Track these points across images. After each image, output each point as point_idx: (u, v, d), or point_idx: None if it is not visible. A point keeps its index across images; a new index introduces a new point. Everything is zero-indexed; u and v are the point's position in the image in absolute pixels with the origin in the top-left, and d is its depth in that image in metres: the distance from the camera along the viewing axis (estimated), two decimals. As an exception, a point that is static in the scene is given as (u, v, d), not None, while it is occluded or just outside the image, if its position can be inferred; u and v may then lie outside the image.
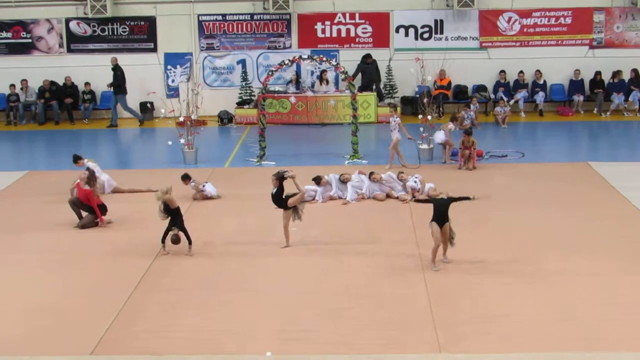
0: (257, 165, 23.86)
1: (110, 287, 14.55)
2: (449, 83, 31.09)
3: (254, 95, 30.74)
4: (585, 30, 31.37)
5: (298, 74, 31.12)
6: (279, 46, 31.79)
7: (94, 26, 31.77)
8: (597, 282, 14.42)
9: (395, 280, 14.62)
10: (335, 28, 31.60)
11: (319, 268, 15.33)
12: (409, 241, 16.59)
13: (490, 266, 15.24)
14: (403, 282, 14.58)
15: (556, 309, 13.25)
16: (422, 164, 23.09)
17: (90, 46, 31.97)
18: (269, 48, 31.85)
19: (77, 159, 21.24)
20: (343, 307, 13.58)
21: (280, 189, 16.34)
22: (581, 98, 31.16)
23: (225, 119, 30.83)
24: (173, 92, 30.76)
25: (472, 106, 28.68)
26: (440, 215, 15.08)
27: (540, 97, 31.10)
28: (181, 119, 24.97)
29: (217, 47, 31.93)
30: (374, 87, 30.50)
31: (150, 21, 31.75)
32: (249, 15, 31.66)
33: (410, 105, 30.83)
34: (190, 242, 16.18)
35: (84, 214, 18.41)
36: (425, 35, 31.55)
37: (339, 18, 31.54)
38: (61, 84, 31.77)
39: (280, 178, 16.30)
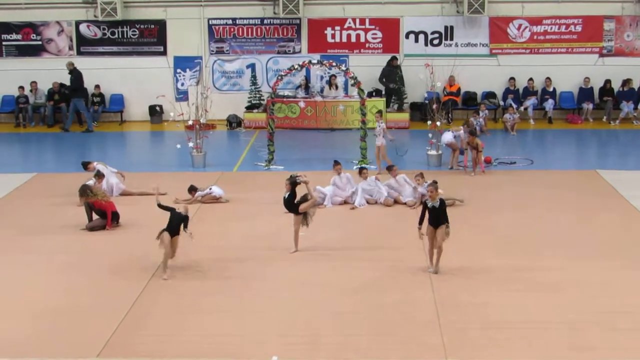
0: (265, 169, 23.85)
1: (117, 290, 14.55)
2: (459, 89, 31.06)
3: (263, 100, 30.72)
4: (596, 38, 31.32)
5: (307, 78, 31.11)
6: (289, 51, 31.80)
7: (104, 29, 31.81)
8: (605, 290, 14.39)
9: (402, 286, 14.60)
10: (345, 33, 31.60)
11: (326, 273, 15.32)
12: (416, 246, 16.53)
13: (497, 272, 15.22)
14: (409, 287, 14.56)
15: (564, 316, 13.22)
16: (430, 170, 23.06)
17: (100, 49, 32.01)
18: (278, 52, 31.87)
19: (86, 165, 21.27)
20: (349, 311, 13.57)
21: (293, 193, 16.34)
22: (590, 106, 31.11)
23: (234, 123, 30.83)
24: (182, 95, 30.78)
25: (481, 113, 28.66)
26: (434, 218, 15.05)
27: (549, 104, 31.05)
28: (190, 122, 24.97)
29: (227, 51, 31.95)
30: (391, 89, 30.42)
31: (161, 24, 31.78)
32: (259, 20, 31.68)
33: (419, 111, 30.81)
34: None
35: (95, 216, 18.44)
36: (435, 42, 31.53)
37: (349, 23, 31.54)
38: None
39: (293, 183, 16.30)
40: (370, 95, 29.32)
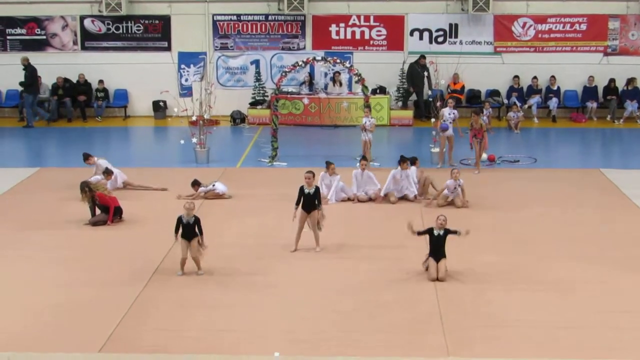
0: (269, 165, 23.86)
1: (120, 284, 14.57)
2: (463, 87, 31.02)
3: (267, 96, 30.70)
4: (600, 37, 31.28)
5: (311, 75, 31.10)
6: (293, 47, 31.78)
7: (108, 24, 31.80)
8: (607, 289, 14.39)
9: (405, 284, 14.61)
10: (349, 30, 31.57)
11: (328, 270, 15.33)
12: (419, 245, 16.54)
13: (499, 271, 15.22)
14: (412, 285, 14.57)
15: (566, 316, 13.24)
16: (434, 167, 23.05)
17: (105, 44, 32.00)
18: (282, 49, 31.86)
19: (86, 157, 21.32)
20: (351, 309, 13.58)
21: (317, 191, 16.41)
22: (594, 105, 31.09)
23: (237, 119, 30.84)
24: (186, 91, 30.63)
25: (485, 111, 28.62)
26: (436, 250, 14.98)
27: (553, 103, 31.03)
28: (194, 118, 24.97)
29: (231, 47, 31.94)
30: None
31: (165, 20, 31.78)
32: (263, 16, 31.66)
33: (423, 109, 30.77)
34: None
35: (98, 211, 18.46)
36: (440, 39, 31.50)
37: (354, 20, 31.51)
38: (75, 81, 31.82)
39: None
40: (374, 92, 29.30)
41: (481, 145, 22.89)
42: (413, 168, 20.56)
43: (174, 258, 15.91)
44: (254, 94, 31.24)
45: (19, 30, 31.97)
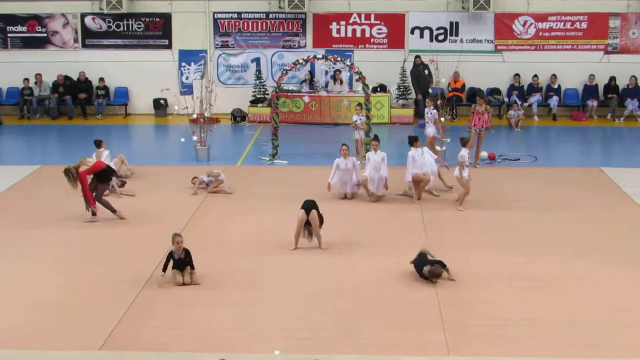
0: (269, 164, 23.87)
1: (120, 282, 14.58)
2: (463, 85, 31.01)
3: (268, 94, 30.72)
4: (601, 35, 31.26)
5: (312, 73, 31.10)
6: (294, 45, 31.77)
7: (109, 22, 31.80)
8: (608, 287, 14.41)
9: (405, 282, 14.62)
10: (350, 28, 31.56)
11: (328, 268, 15.34)
12: (420, 244, 16.58)
13: (499, 269, 15.23)
14: (412, 283, 14.58)
15: (566, 314, 13.25)
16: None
17: (105, 42, 32.01)
18: (283, 47, 31.85)
19: (99, 143, 21.80)
20: (352, 307, 13.59)
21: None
22: (595, 103, 31.08)
23: (238, 117, 30.85)
24: (187, 89, 30.70)
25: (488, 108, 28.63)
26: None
27: (554, 101, 31.03)
28: (194, 116, 24.96)
29: (232, 45, 31.93)
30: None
31: (166, 18, 31.77)
32: (264, 14, 31.65)
33: (423, 107, 30.79)
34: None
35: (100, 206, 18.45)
36: (440, 37, 31.50)
37: (354, 18, 31.50)
38: (75, 79, 31.83)
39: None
40: (374, 90, 29.28)
41: (480, 138, 22.92)
42: (425, 148, 20.55)
43: (174, 256, 15.96)
44: (255, 92, 31.24)
45: (19, 28, 31.97)
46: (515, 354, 11.91)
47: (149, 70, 31.39)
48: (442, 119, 23.95)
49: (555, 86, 31.27)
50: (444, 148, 23.95)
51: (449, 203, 19.76)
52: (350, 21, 31.52)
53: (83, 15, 31.83)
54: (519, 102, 30.32)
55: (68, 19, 31.87)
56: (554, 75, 31.19)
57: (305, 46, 31.62)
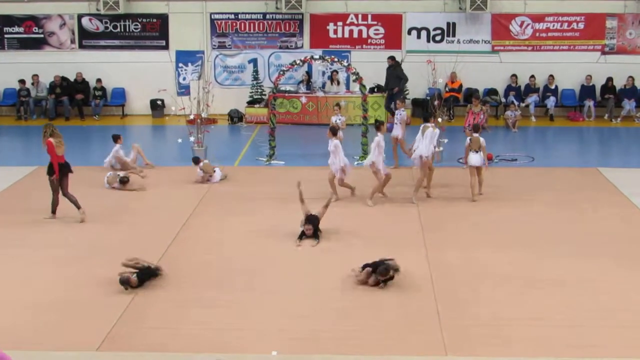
0: (266, 164, 23.86)
1: (118, 283, 14.53)
2: (460, 86, 31.02)
3: (265, 95, 30.73)
4: (598, 36, 31.30)
5: (309, 74, 31.10)
6: (291, 46, 31.79)
7: (106, 23, 31.80)
8: (605, 287, 14.41)
9: (403, 282, 14.59)
10: (347, 29, 31.59)
11: (326, 268, 15.32)
12: (417, 243, 16.61)
13: (497, 269, 15.23)
14: (410, 284, 14.56)
15: (564, 314, 13.25)
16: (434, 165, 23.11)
17: (102, 43, 32.00)
18: (280, 48, 31.86)
19: (117, 138, 23.11)
20: (349, 306, 13.59)
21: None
22: (592, 103, 31.10)
23: (235, 117, 30.85)
24: (184, 90, 30.76)
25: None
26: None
27: (551, 101, 31.06)
28: (191, 117, 24.95)
29: (229, 45, 31.94)
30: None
31: (163, 18, 31.77)
32: (261, 15, 31.66)
33: (421, 108, 30.79)
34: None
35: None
36: (438, 38, 31.53)
37: (352, 19, 31.53)
38: (72, 80, 31.82)
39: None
40: (372, 91, 29.27)
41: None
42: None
43: (172, 256, 15.95)
44: (252, 92, 31.26)
45: (16, 29, 31.97)
46: (513, 354, 11.90)
47: (146, 71, 31.40)
48: (440, 120, 23.92)
49: (553, 87, 31.30)
50: (441, 148, 23.95)
51: (446, 203, 19.76)
52: (348, 22, 31.55)
53: (80, 16, 31.83)
54: (516, 103, 30.36)
55: (65, 20, 31.86)
56: (551, 76, 31.23)
57: (302, 47, 31.64)
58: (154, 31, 31.87)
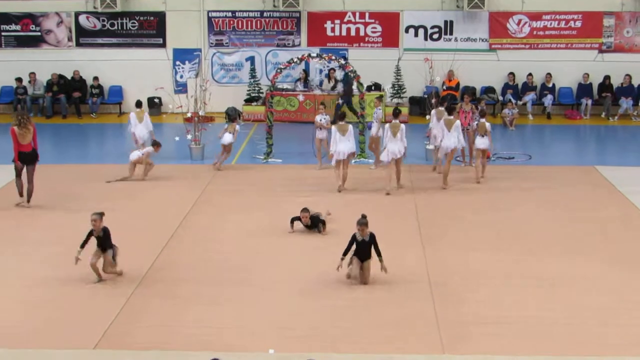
0: (263, 162, 23.85)
1: (115, 281, 14.54)
2: (458, 84, 30.99)
3: (262, 93, 30.71)
4: (595, 34, 31.30)
5: (307, 72, 31.09)
6: (288, 44, 31.77)
7: (103, 20, 31.77)
8: (602, 285, 14.42)
9: (399, 281, 14.59)
10: (344, 27, 31.58)
11: (323, 266, 15.29)
12: (414, 242, 16.61)
13: (494, 267, 15.24)
14: (407, 281, 14.56)
15: (561, 312, 13.25)
16: (429, 164, 23.13)
17: (99, 40, 31.98)
18: (278, 45, 31.84)
19: (139, 103, 24.05)
20: (347, 305, 13.58)
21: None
22: (589, 102, 31.10)
23: (232, 115, 30.80)
24: (181, 87, 30.73)
25: (479, 107, 28.58)
26: (362, 253, 14.52)
27: (548, 100, 31.06)
28: (189, 114, 24.94)
29: (226, 43, 31.92)
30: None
31: (160, 16, 31.75)
32: (258, 13, 31.65)
33: (418, 106, 30.82)
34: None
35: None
36: (435, 36, 31.53)
37: (349, 17, 31.52)
38: (69, 77, 31.79)
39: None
40: (369, 89, 29.26)
41: (468, 136, 22.96)
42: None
43: (170, 254, 15.95)
44: (249, 90, 31.23)
45: (13, 27, 31.93)
46: (510, 352, 11.90)
47: (143, 69, 31.37)
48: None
49: (550, 85, 31.30)
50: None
51: (443, 200, 19.77)
52: (345, 20, 31.54)
53: (77, 14, 31.80)
54: (514, 101, 30.37)
55: (62, 18, 31.84)
56: (549, 74, 31.23)
57: (299, 45, 31.62)
58: (151, 29, 31.85)
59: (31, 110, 31.44)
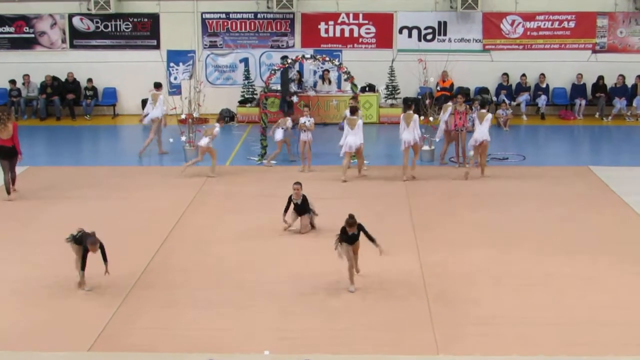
0: (258, 164, 23.84)
1: (109, 283, 14.51)
2: (452, 85, 31.02)
3: (256, 94, 30.72)
4: (589, 34, 31.34)
5: (301, 73, 31.08)
6: (282, 45, 31.77)
7: (97, 22, 31.74)
8: (597, 285, 14.44)
9: (394, 281, 14.61)
10: (338, 28, 31.58)
11: (318, 267, 15.31)
12: (409, 243, 16.62)
13: (488, 268, 15.24)
14: (402, 283, 14.57)
15: (555, 312, 13.27)
16: (424, 164, 23.14)
17: (93, 42, 31.94)
18: (272, 47, 31.84)
19: (158, 85, 24.45)
20: (341, 306, 13.59)
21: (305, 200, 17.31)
22: (583, 102, 31.13)
23: (227, 117, 30.78)
24: (175, 89, 30.74)
25: (474, 108, 28.60)
26: (351, 239, 14.55)
27: (542, 100, 31.08)
28: (183, 116, 24.94)
29: (220, 45, 31.91)
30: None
31: (154, 18, 31.73)
32: (252, 14, 31.64)
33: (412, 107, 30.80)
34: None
35: None
36: (429, 37, 31.54)
37: (343, 18, 31.52)
38: (63, 79, 31.76)
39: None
40: (363, 90, 29.30)
41: (462, 137, 23.00)
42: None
43: (165, 256, 15.94)
44: (243, 92, 31.22)
45: (7, 29, 31.88)
46: (505, 352, 11.91)
47: (137, 71, 31.34)
48: (431, 118, 23.97)
49: (544, 85, 31.33)
50: (432, 147, 23.97)
51: (438, 201, 19.79)
52: (339, 21, 31.54)
53: (71, 16, 31.76)
54: (507, 102, 30.38)
55: (56, 20, 31.80)
56: (542, 75, 31.27)
57: (293, 46, 31.63)
58: (145, 31, 31.83)
59: (25, 113, 31.46)
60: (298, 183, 17.18)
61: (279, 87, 30.37)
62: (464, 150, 23.15)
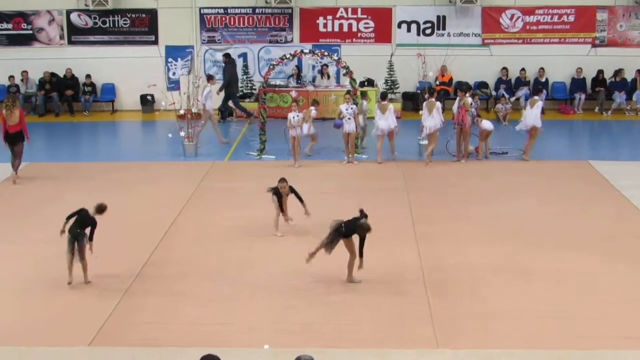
0: (257, 159, 23.83)
1: (110, 277, 14.51)
2: (451, 79, 31.01)
3: (255, 89, 30.69)
4: (588, 28, 31.32)
5: (299, 68, 31.06)
6: (281, 40, 31.74)
7: (95, 18, 31.70)
8: (595, 279, 14.43)
9: (393, 275, 14.60)
10: (337, 23, 31.56)
11: (318, 261, 15.27)
12: (408, 237, 16.60)
13: (488, 262, 15.23)
14: (401, 277, 14.57)
15: (554, 306, 13.26)
16: (422, 159, 23.12)
17: (91, 38, 31.91)
18: (270, 42, 31.81)
19: (210, 77, 25.98)
20: (341, 300, 13.58)
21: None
22: (583, 96, 31.11)
23: (225, 112, 30.77)
24: (174, 84, 30.71)
25: (473, 103, 28.58)
26: (346, 234, 14.47)
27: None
28: (181, 112, 24.91)
29: (219, 40, 31.88)
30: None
31: (152, 13, 31.69)
32: (250, 9, 31.62)
33: (412, 101, 30.81)
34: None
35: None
36: (428, 31, 31.50)
37: (341, 13, 31.50)
38: (62, 75, 31.73)
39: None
40: (362, 84, 29.24)
41: (464, 132, 22.97)
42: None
43: (164, 251, 15.92)
44: (242, 87, 31.19)
45: (5, 25, 31.84)
46: (504, 346, 11.90)
47: (135, 67, 31.32)
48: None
49: (543, 80, 31.29)
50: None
51: (436, 197, 19.77)
52: (337, 16, 31.53)
53: (69, 12, 31.73)
54: (507, 96, 30.36)
55: (54, 16, 31.76)
56: (542, 69, 31.24)
57: (292, 41, 31.60)
58: (143, 26, 31.79)
59: (24, 109, 31.33)
60: (283, 180, 16.95)
61: (278, 82, 30.35)
62: (466, 146, 23.13)
